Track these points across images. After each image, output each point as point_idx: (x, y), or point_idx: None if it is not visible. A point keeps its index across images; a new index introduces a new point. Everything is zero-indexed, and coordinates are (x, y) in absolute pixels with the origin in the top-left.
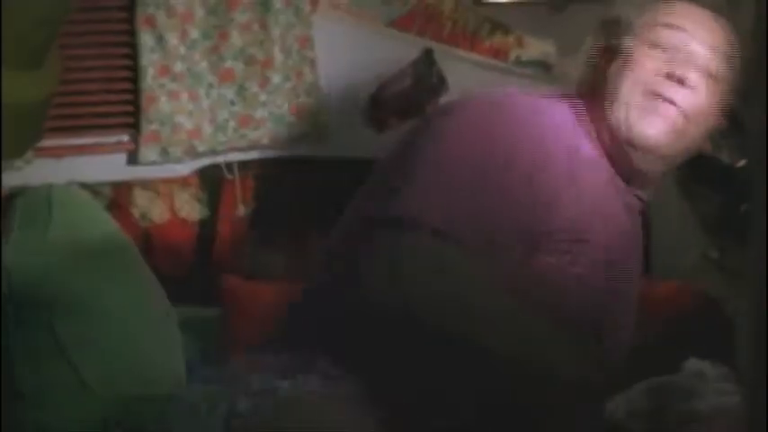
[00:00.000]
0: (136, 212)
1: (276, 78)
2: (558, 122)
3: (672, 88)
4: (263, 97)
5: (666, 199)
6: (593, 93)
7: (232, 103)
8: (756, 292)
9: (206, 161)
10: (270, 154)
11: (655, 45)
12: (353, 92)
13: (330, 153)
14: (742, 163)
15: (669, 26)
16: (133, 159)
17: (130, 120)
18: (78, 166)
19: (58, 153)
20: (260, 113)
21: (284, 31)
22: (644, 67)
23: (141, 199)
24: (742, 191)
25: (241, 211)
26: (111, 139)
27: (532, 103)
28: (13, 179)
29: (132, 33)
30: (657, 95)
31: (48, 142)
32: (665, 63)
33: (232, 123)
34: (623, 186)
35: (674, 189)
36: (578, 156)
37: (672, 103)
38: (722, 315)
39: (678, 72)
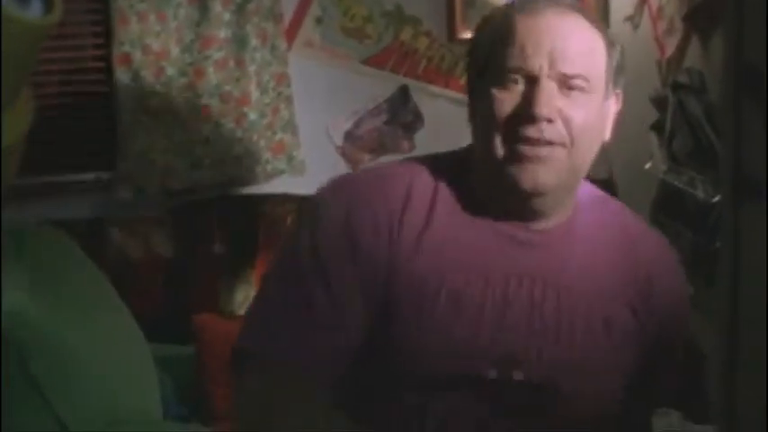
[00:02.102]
0: (111, 250)
1: (252, 115)
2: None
3: (530, 128)
4: (239, 134)
5: None
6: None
7: (208, 139)
8: (726, 331)
9: (181, 198)
10: (246, 191)
11: (500, 84)
12: (329, 128)
13: (305, 190)
14: (717, 199)
15: (514, 66)
16: (109, 197)
17: (106, 157)
18: (53, 204)
19: (33, 191)
20: (236, 150)
21: (260, 69)
22: (499, 112)
23: (116, 236)
24: (716, 227)
25: (216, 248)
26: (87, 176)
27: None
28: None
29: (108, 71)
30: (519, 140)
31: (23, 180)
32: (518, 101)
33: (207, 160)
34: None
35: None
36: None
37: (536, 142)
38: (696, 351)
39: (529, 111)
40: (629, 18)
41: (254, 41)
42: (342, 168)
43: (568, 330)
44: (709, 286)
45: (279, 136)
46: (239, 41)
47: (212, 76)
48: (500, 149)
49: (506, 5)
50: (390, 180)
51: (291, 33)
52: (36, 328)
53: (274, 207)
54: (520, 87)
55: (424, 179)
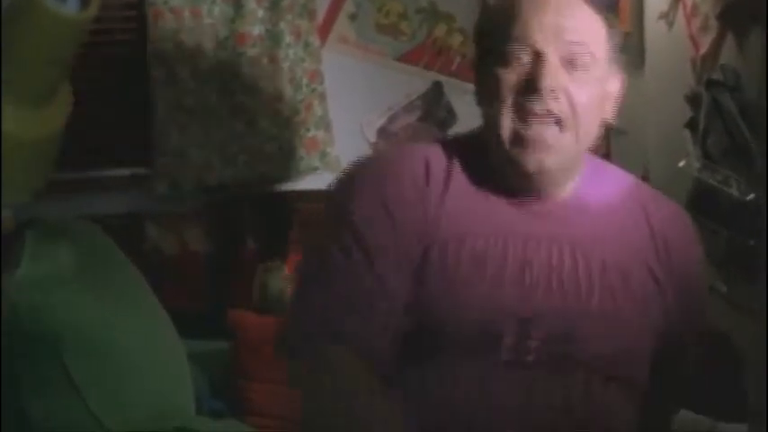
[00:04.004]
0: (146, 246)
1: (286, 112)
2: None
3: (535, 101)
4: (273, 130)
5: None
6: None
7: (242, 136)
8: (764, 326)
9: (216, 194)
10: (280, 187)
11: (505, 62)
12: (362, 125)
13: None
14: (752, 196)
15: (518, 40)
16: (144, 192)
17: (142, 153)
18: (89, 199)
19: (69, 186)
20: (270, 147)
21: (294, 65)
22: (504, 88)
23: (152, 232)
24: (751, 225)
25: (251, 244)
26: (123, 172)
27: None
28: (24, 212)
29: (144, 67)
30: (524, 115)
31: (59, 175)
32: (523, 77)
33: (242, 157)
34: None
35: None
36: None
37: (539, 120)
38: (730, 348)
39: (535, 84)
40: (664, 15)
41: (287, 38)
42: None
43: (587, 292)
44: (745, 282)
45: (312, 132)
46: (273, 38)
47: (246, 72)
48: (506, 131)
49: None
50: (409, 157)
51: (325, 30)
52: (71, 324)
53: (308, 203)
54: (524, 63)
55: (438, 156)
